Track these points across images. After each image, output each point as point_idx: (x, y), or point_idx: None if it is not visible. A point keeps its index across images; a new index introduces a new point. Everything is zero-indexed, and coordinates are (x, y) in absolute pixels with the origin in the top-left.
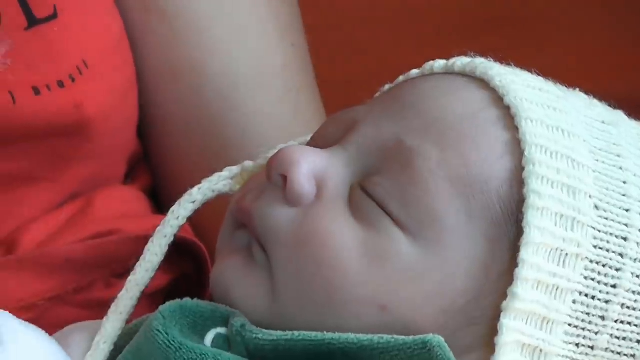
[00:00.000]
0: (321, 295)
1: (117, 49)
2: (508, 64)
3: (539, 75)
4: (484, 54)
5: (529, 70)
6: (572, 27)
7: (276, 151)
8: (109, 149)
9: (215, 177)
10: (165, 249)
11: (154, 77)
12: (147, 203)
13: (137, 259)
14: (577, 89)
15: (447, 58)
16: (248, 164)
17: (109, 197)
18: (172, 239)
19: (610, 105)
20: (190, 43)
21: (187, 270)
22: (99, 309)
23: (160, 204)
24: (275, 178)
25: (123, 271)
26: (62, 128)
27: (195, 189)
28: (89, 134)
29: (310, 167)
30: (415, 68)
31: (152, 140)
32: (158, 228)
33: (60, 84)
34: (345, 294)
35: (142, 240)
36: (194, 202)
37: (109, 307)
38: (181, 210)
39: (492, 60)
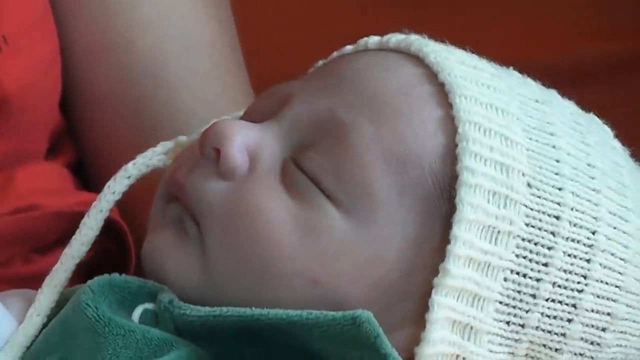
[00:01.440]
0: (253, 269)
1: (39, 24)
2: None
3: (472, 52)
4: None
5: (459, 45)
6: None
7: (209, 125)
8: (29, 124)
9: (150, 152)
10: (101, 223)
11: (82, 53)
12: (70, 179)
13: (58, 235)
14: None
15: (375, 28)
16: (182, 138)
17: (30, 173)
18: (107, 213)
19: (529, 76)
20: (120, 20)
21: (109, 246)
22: (19, 284)
23: (86, 179)
24: (208, 151)
25: (43, 247)
26: None
27: (130, 164)
28: (8, 110)
29: (244, 140)
30: (341, 38)
31: (78, 116)
32: (94, 202)
33: None
34: (278, 268)
35: (63, 216)
36: (129, 177)
37: (29, 282)
38: (117, 186)
39: (412, 32)
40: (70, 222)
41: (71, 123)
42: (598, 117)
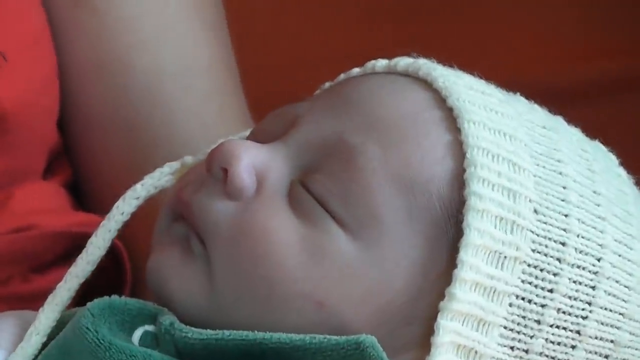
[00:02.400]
0: (258, 290)
1: (38, 42)
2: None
3: (480, 77)
4: (409, 40)
5: (456, 65)
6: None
7: (216, 144)
8: (27, 142)
9: (157, 172)
10: (108, 243)
11: (80, 72)
12: (67, 198)
13: (55, 255)
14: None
15: (373, 47)
16: (188, 159)
17: (27, 192)
18: (115, 233)
19: (522, 95)
20: (118, 40)
21: (104, 265)
22: (17, 303)
23: (81, 199)
24: (215, 171)
25: (41, 266)
26: None
27: (138, 185)
28: (6, 127)
29: (251, 161)
30: (339, 57)
31: (74, 136)
32: (103, 222)
33: None
34: (283, 290)
35: (60, 236)
36: (137, 198)
37: (28, 302)
38: (125, 206)
39: (410, 51)
40: (68, 242)
41: (67, 142)
42: (594, 137)
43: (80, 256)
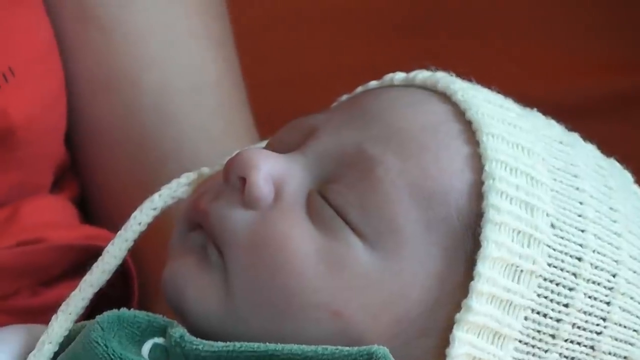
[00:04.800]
0: (276, 299)
1: (45, 57)
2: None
3: (498, 92)
4: (418, 55)
5: (464, 76)
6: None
7: (234, 154)
8: (34, 157)
9: (174, 183)
10: (124, 253)
11: (87, 88)
12: (74, 213)
13: (62, 268)
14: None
15: (381, 60)
16: (205, 169)
17: (35, 206)
18: (132, 243)
19: (528, 107)
20: (126, 56)
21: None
22: (25, 316)
23: (88, 214)
24: (233, 180)
25: (49, 279)
26: None
27: (156, 196)
28: (14, 142)
29: (270, 170)
30: (347, 70)
31: (81, 151)
32: (119, 232)
33: None
34: (300, 299)
35: (69, 249)
36: (155, 208)
37: (35, 315)
38: (143, 217)
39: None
40: (76, 256)
41: (74, 157)
42: (604, 152)
43: (95, 264)
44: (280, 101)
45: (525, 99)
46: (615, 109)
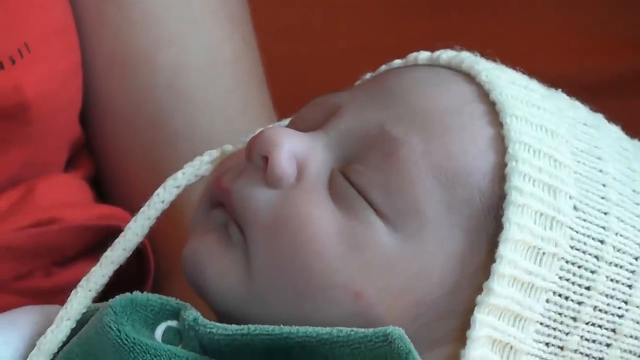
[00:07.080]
0: (296, 279)
1: (62, 34)
2: (457, 45)
3: (523, 72)
4: (435, 34)
5: (482, 53)
6: (521, 9)
7: (257, 132)
8: (48, 133)
9: (197, 161)
10: (146, 230)
11: (104, 66)
12: (89, 191)
13: (77, 248)
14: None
15: (397, 40)
16: (227, 147)
17: (50, 185)
18: (154, 221)
19: (555, 87)
20: (142, 33)
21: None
22: (39, 297)
23: (103, 192)
24: (255, 159)
25: (63, 260)
26: (0, 110)
27: (179, 173)
28: (27, 118)
29: (292, 149)
30: (362, 50)
31: (96, 128)
32: (142, 209)
33: (0, 66)
34: (321, 279)
35: (83, 230)
36: (178, 186)
37: (50, 295)
38: (166, 194)
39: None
40: (91, 236)
41: (89, 135)
42: (626, 131)
43: (116, 240)
44: (296, 81)
45: (540, 77)
46: (631, 86)
